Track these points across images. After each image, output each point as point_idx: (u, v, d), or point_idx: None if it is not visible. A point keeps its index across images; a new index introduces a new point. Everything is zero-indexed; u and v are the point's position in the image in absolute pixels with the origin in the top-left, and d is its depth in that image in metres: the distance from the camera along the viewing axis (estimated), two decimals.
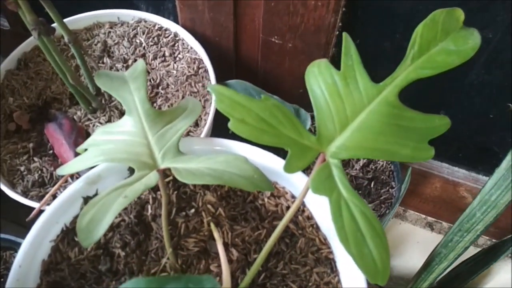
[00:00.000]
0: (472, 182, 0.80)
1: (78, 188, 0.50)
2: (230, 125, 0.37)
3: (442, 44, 0.42)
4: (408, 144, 0.40)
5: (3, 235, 0.58)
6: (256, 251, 0.49)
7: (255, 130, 0.37)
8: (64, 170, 0.48)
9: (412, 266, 0.96)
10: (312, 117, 0.68)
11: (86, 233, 0.40)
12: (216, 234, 0.46)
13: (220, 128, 0.73)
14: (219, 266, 0.48)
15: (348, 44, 0.42)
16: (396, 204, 0.67)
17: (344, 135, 0.39)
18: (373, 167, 0.70)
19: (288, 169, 0.37)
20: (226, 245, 0.49)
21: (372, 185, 0.69)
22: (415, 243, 0.99)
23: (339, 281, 0.46)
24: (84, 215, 0.41)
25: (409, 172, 0.68)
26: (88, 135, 0.66)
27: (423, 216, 0.93)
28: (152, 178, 0.44)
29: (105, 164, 0.51)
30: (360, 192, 0.69)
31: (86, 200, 0.51)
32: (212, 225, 0.47)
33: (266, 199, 0.51)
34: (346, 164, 0.72)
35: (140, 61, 0.55)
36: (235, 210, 0.51)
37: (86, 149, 0.49)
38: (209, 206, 0.50)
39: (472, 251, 0.69)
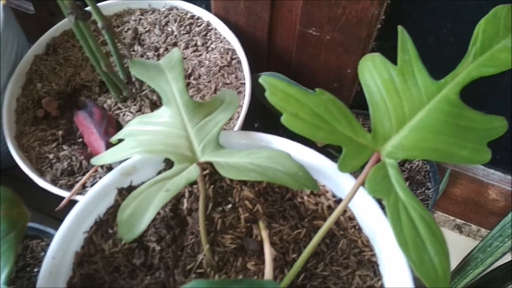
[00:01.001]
0: (507, 185, 0.78)
1: (112, 179, 0.49)
2: (283, 119, 0.35)
3: (504, 42, 0.40)
4: (467, 146, 0.37)
5: (30, 224, 0.57)
6: (295, 250, 0.47)
7: (309, 126, 0.35)
8: (99, 160, 0.47)
9: None
10: (354, 106, 0.66)
11: (128, 227, 0.38)
12: (264, 234, 0.45)
13: (249, 122, 0.71)
14: (256, 264, 0.46)
15: (404, 39, 0.40)
16: (432, 205, 0.65)
17: (401, 134, 0.37)
18: (408, 167, 0.68)
19: (343, 168, 0.36)
20: (262, 244, 0.48)
21: (407, 185, 0.67)
22: None
23: (382, 286, 0.45)
24: (125, 208, 0.39)
25: (447, 173, 0.66)
26: (118, 124, 0.65)
27: (452, 218, 0.91)
28: (193, 171, 0.42)
29: (140, 156, 0.50)
30: None
31: (121, 191, 0.49)
32: (261, 224, 0.46)
33: (305, 197, 0.49)
34: None
35: (176, 50, 0.54)
36: (273, 207, 0.49)
37: (119, 140, 0.48)
38: (246, 202, 0.49)
39: (508, 256, 0.67)
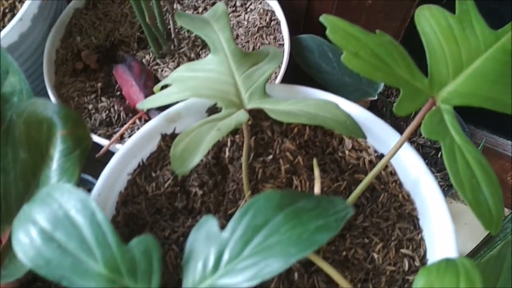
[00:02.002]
0: None
1: (157, 125, 0.49)
2: (343, 58, 0.35)
3: None
4: None
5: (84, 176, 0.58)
6: None
7: (368, 65, 0.35)
8: (148, 103, 0.48)
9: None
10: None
11: (180, 162, 0.39)
12: (316, 172, 0.45)
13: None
14: None
15: None
16: None
17: (457, 81, 0.37)
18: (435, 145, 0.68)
19: (399, 110, 0.36)
20: None
21: (439, 155, 0.67)
22: (463, 224, 0.96)
23: (422, 239, 0.45)
24: (178, 143, 0.40)
25: (482, 143, 0.66)
26: (156, 79, 0.65)
27: None
28: (242, 115, 0.43)
29: (185, 103, 0.50)
30: (426, 161, 0.67)
31: (164, 137, 0.50)
32: (315, 162, 0.46)
33: (347, 152, 0.50)
34: (413, 132, 0.70)
35: (220, 4, 0.54)
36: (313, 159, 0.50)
37: (162, 88, 0.48)
38: (287, 153, 0.49)
39: None
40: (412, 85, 0.36)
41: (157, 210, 0.47)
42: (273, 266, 0.23)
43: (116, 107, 0.62)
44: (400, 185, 0.48)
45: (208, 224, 0.26)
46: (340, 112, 0.43)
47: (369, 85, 0.65)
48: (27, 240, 0.25)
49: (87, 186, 0.59)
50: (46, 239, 0.25)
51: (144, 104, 0.48)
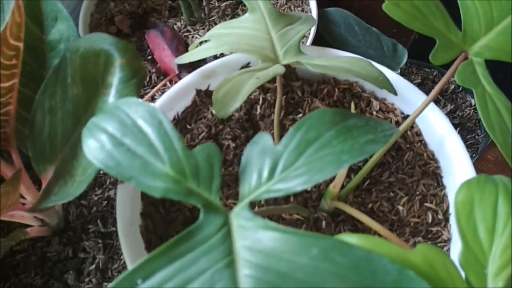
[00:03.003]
0: None
1: (193, 80, 0.52)
2: (384, 6, 0.37)
3: None
4: None
5: None
6: (361, 160, 0.49)
7: (407, 15, 0.37)
8: (186, 58, 0.50)
9: None
10: (408, 54, 0.68)
11: (222, 105, 0.41)
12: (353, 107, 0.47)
13: None
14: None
15: None
16: (481, 150, 0.67)
17: (488, 37, 0.39)
18: (460, 114, 0.70)
19: (434, 59, 0.38)
20: None
21: (457, 131, 0.69)
22: None
23: (445, 195, 0.47)
24: (220, 89, 0.42)
25: None
26: (187, 45, 0.67)
27: None
28: (279, 68, 0.45)
29: (221, 61, 0.53)
30: None
31: (199, 92, 0.52)
32: (352, 106, 0.48)
33: (374, 113, 0.52)
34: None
35: None
36: None
37: (198, 45, 0.51)
38: None
39: None
40: (447, 37, 0.38)
41: None
42: (326, 171, 0.25)
43: (149, 69, 0.64)
44: (425, 145, 0.50)
45: (263, 139, 0.28)
46: (373, 68, 0.45)
47: (392, 59, 0.67)
48: (98, 145, 0.27)
49: None
50: (116, 144, 0.27)
51: (183, 59, 0.50)
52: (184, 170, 0.26)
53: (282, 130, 0.51)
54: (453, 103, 0.71)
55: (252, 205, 0.46)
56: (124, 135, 0.27)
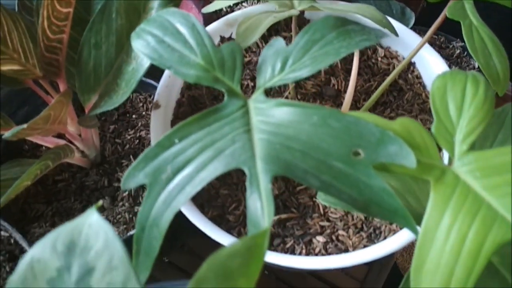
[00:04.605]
0: None
1: (218, 27, 0.58)
2: None
3: None
4: None
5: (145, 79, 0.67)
6: (365, 100, 0.55)
7: None
8: (212, 7, 0.56)
9: None
10: (417, 21, 0.73)
11: (243, 38, 0.47)
12: (355, 59, 0.52)
13: None
14: (332, 107, 0.55)
15: None
16: None
17: None
18: None
19: None
20: (339, 91, 0.56)
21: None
22: None
23: None
24: (241, 25, 0.48)
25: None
26: None
27: None
28: (294, 11, 0.51)
29: (243, 11, 0.59)
30: None
31: (223, 39, 0.59)
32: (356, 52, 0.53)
33: (379, 59, 0.57)
34: None
35: None
36: (350, 64, 0.58)
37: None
38: None
39: None
40: None
41: (214, 97, 0.56)
42: (327, 61, 0.32)
43: None
44: (424, 86, 0.55)
45: (277, 42, 0.35)
46: (378, 13, 0.51)
47: (400, 21, 0.72)
48: (144, 43, 0.34)
49: (150, 92, 0.68)
50: (158, 41, 0.34)
51: (209, 8, 0.56)
52: (212, 62, 0.33)
53: None
54: (458, 66, 0.76)
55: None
56: (165, 35, 0.34)
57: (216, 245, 0.43)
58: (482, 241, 0.26)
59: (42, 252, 0.24)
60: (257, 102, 0.32)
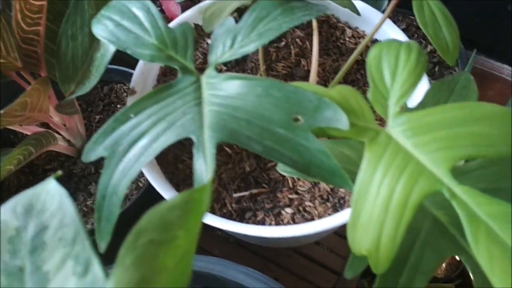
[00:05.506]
0: None
1: (191, 15, 0.60)
2: None
3: None
4: None
5: (116, 67, 0.70)
6: (334, 79, 0.57)
7: None
8: None
9: None
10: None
11: (209, 22, 0.50)
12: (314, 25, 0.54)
13: None
14: None
15: None
16: None
17: None
18: (439, 54, 0.76)
19: None
20: (308, 72, 0.58)
21: (436, 69, 0.75)
22: None
23: (405, 104, 0.54)
24: (207, 10, 0.50)
25: (473, 54, 0.74)
26: None
27: None
28: None
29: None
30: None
31: (197, 26, 0.61)
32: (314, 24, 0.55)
33: (347, 39, 0.59)
34: None
35: None
36: (319, 45, 0.59)
37: None
38: (297, 40, 0.59)
39: None
40: None
41: None
42: (271, 35, 0.34)
43: None
44: None
45: (227, 21, 0.37)
46: None
47: (374, 4, 0.74)
48: (103, 27, 0.36)
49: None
50: (116, 25, 0.36)
51: None
52: (165, 42, 0.35)
53: (267, 56, 0.59)
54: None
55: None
56: (122, 19, 0.36)
57: None
58: (408, 193, 0.28)
59: (3, 215, 0.26)
60: (209, 78, 0.35)
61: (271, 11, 0.35)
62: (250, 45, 0.34)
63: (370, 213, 0.29)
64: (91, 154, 0.32)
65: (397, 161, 0.29)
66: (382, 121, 0.44)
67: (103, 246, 0.32)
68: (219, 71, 0.58)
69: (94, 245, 0.25)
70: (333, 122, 0.30)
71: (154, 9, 0.36)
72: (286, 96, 0.32)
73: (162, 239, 0.24)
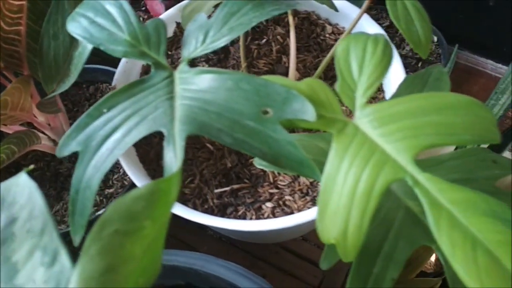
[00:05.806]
0: None
1: (172, 14, 0.61)
2: None
3: None
4: None
5: (101, 67, 0.70)
6: (314, 75, 0.58)
7: None
8: None
9: None
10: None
11: (187, 20, 0.50)
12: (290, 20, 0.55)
13: None
14: None
15: None
16: None
17: None
18: None
19: None
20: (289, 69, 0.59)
21: (419, 65, 0.76)
22: None
23: (384, 98, 0.55)
24: (187, 7, 0.51)
25: (455, 49, 0.75)
26: None
27: None
28: None
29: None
30: (408, 69, 0.76)
31: (179, 24, 0.62)
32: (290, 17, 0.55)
33: (327, 35, 0.60)
34: (397, 45, 0.80)
35: None
36: (300, 42, 0.60)
37: None
38: (278, 37, 0.60)
39: None
40: None
41: None
42: (242, 29, 0.34)
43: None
44: None
45: (200, 17, 0.37)
46: None
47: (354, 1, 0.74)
48: (77, 24, 0.37)
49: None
50: (90, 22, 0.37)
51: None
52: (138, 38, 0.36)
53: (248, 53, 0.59)
54: None
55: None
56: (96, 16, 0.37)
57: (174, 217, 0.46)
58: (373, 182, 0.29)
59: None
60: (181, 73, 0.35)
61: (242, 6, 0.36)
62: (221, 40, 0.35)
63: (337, 203, 0.29)
64: (64, 149, 0.33)
65: (363, 151, 0.30)
66: (351, 114, 0.44)
67: (77, 239, 0.32)
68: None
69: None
70: (300, 113, 0.31)
71: (127, 6, 0.36)
72: (256, 89, 0.32)
73: (128, 229, 0.25)
